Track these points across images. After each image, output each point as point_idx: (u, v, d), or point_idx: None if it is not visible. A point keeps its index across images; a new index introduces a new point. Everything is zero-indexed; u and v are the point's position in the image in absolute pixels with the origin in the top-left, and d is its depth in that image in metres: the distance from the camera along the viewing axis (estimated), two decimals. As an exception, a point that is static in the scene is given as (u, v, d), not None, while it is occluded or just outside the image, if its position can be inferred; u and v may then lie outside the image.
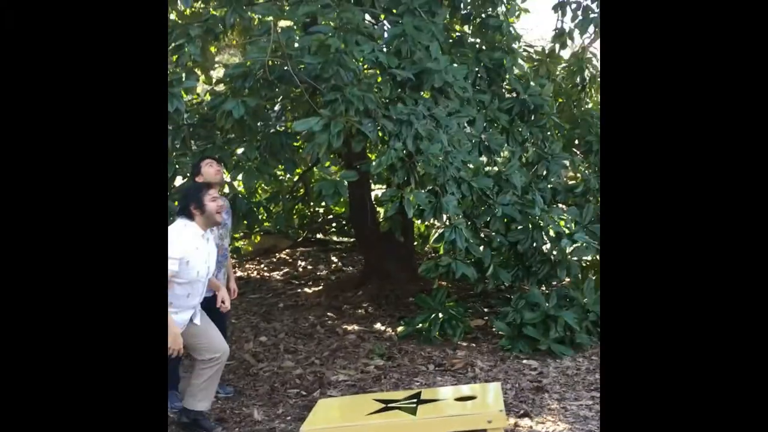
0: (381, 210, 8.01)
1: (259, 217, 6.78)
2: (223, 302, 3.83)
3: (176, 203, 3.76)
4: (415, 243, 8.04)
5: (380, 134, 5.02)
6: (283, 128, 5.70)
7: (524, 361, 4.94)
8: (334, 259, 8.66)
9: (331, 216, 9.68)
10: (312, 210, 9.36)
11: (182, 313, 3.55)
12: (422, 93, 5.44)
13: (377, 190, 8.04)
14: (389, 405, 3.79)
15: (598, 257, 6.06)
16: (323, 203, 9.02)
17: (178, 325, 3.49)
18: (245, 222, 5.77)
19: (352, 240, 9.37)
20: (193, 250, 3.48)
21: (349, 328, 5.85)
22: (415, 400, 3.82)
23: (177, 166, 5.00)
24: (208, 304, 4.15)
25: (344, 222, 9.53)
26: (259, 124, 5.38)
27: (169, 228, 3.47)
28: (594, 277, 5.91)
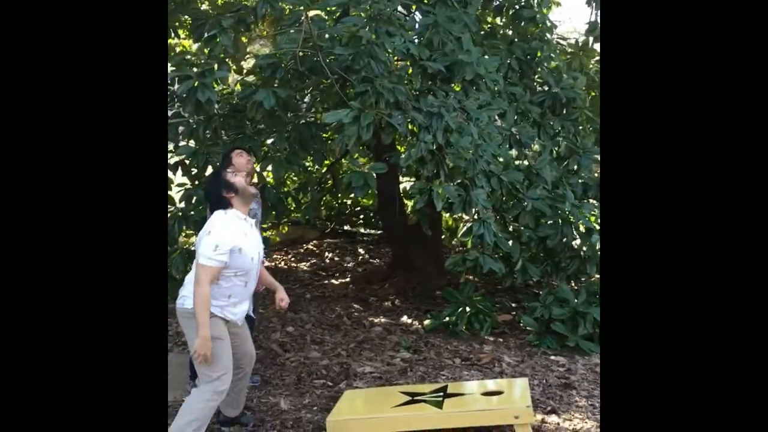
0: (409, 203, 8.00)
1: (288, 207, 6.80)
2: (282, 299, 3.60)
3: (206, 201, 3.67)
4: (443, 236, 8.01)
5: (410, 126, 4.99)
6: (313, 119, 5.69)
7: (552, 358, 4.90)
8: (362, 251, 8.66)
9: (358, 208, 9.68)
10: (340, 201, 9.37)
11: (241, 305, 3.39)
12: (453, 85, 5.40)
13: (405, 183, 8.03)
14: (415, 398, 3.79)
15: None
16: (352, 195, 9.05)
17: (236, 317, 3.36)
18: (274, 212, 5.79)
19: (379, 232, 9.36)
20: (242, 237, 3.30)
21: (376, 320, 5.84)
22: (441, 394, 3.81)
23: (208, 156, 5.02)
24: None
25: (372, 214, 9.53)
26: (289, 115, 5.37)
27: (210, 220, 3.34)
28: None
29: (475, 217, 5.15)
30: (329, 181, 8.23)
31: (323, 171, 8.04)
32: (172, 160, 5.87)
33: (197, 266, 3.17)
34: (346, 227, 9.60)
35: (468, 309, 5.49)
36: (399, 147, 6.61)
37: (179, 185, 5.91)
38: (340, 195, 8.99)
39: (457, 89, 5.41)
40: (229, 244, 3.20)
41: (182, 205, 5.69)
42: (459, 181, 4.99)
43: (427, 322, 5.66)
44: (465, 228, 5.82)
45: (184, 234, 6.23)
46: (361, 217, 9.70)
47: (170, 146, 5.78)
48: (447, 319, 5.49)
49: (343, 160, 8.28)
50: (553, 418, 3.83)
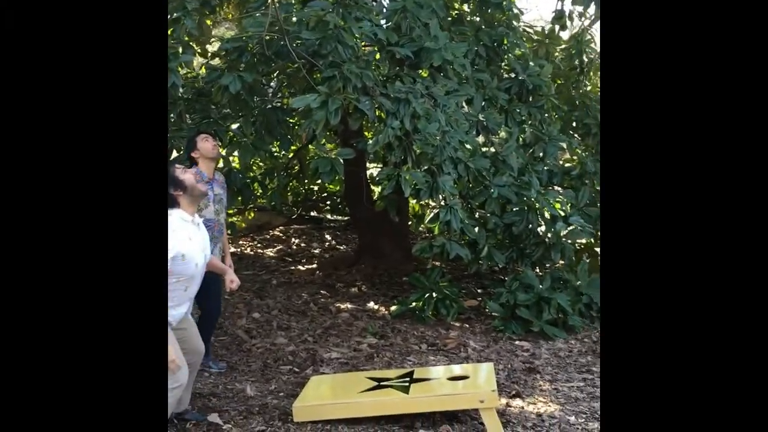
0: (376, 189, 8.00)
1: (254, 193, 6.74)
2: (232, 281, 3.53)
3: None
4: (410, 223, 8.03)
5: (378, 112, 4.98)
6: (279, 104, 5.64)
7: (517, 342, 4.95)
8: (328, 237, 8.65)
9: (325, 194, 9.66)
10: (306, 187, 9.34)
11: (180, 308, 3.21)
12: (420, 71, 5.40)
13: (373, 169, 8.02)
14: (382, 383, 3.80)
15: (592, 240, 6.07)
16: (319, 181, 9.03)
17: (173, 319, 3.16)
18: (240, 198, 5.74)
19: (346, 218, 9.36)
20: (186, 242, 3.09)
21: (343, 306, 5.84)
22: (407, 379, 3.83)
23: (173, 141, 4.95)
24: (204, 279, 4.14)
25: (339, 200, 9.52)
26: (255, 99, 5.32)
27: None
28: (588, 260, 5.92)
29: (442, 203, 5.17)
30: (296, 167, 8.19)
31: (290, 157, 8.00)
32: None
33: None
34: (312, 213, 9.58)
35: (434, 295, 5.52)
36: (366, 133, 6.61)
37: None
38: (306, 181, 8.96)
39: (425, 75, 5.41)
40: (171, 252, 2.97)
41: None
42: (426, 167, 5.00)
43: (393, 308, 5.68)
44: (432, 214, 5.85)
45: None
46: (328, 203, 9.69)
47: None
48: (414, 304, 5.52)
49: (310, 145, 8.25)
50: (517, 402, 3.88)
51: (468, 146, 5.30)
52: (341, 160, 4.95)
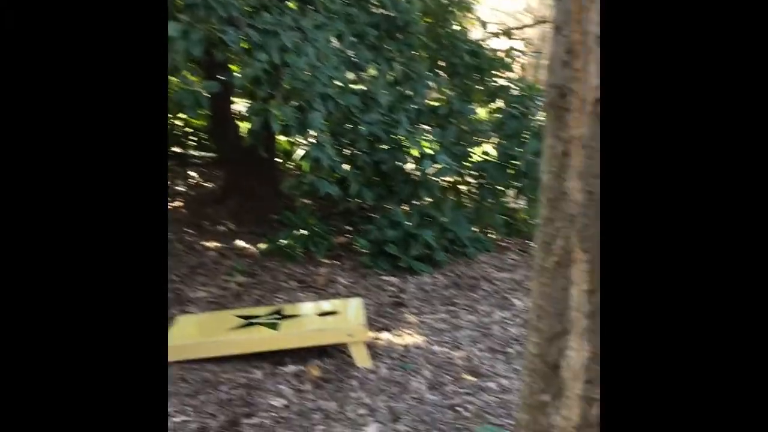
0: (243, 124, 7.79)
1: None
2: None
3: None
4: (278, 160, 7.91)
5: (244, 44, 4.80)
6: (139, 32, 5.30)
7: (384, 278, 5.06)
8: (193, 174, 8.37)
9: (189, 129, 9.30)
10: (169, 122, 8.94)
11: None
12: (289, 2, 5.24)
13: (239, 104, 7.79)
14: (251, 321, 3.79)
15: (458, 178, 6.25)
16: (182, 115, 8.66)
17: None
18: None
19: (211, 155, 9.08)
20: None
21: (209, 244, 5.72)
22: (277, 316, 3.84)
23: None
24: None
25: (203, 136, 9.20)
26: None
27: None
28: (453, 198, 6.11)
29: (312, 140, 5.11)
30: (157, 100, 7.79)
31: (150, 89, 7.60)
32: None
33: None
34: (176, 149, 9.21)
35: (304, 232, 5.51)
36: (232, 66, 6.37)
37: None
38: (169, 115, 8.57)
39: (293, 7, 5.26)
40: None
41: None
42: (296, 103, 4.91)
43: (262, 245, 5.62)
44: (302, 152, 5.79)
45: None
46: (192, 138, 9.34)
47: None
48: (283, 242, 5.49)
49: (171, 77, 7.86)
50: (385, 335, 3.99)
51: (338, 82, 5.24)
52: (206, 94, 4.75)
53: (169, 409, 2.95)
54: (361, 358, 3.56)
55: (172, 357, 3.47)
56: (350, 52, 5.58)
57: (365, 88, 5.65)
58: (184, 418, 2.92)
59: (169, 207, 6.85)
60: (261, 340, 3.58)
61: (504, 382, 3.48)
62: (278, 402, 3.11)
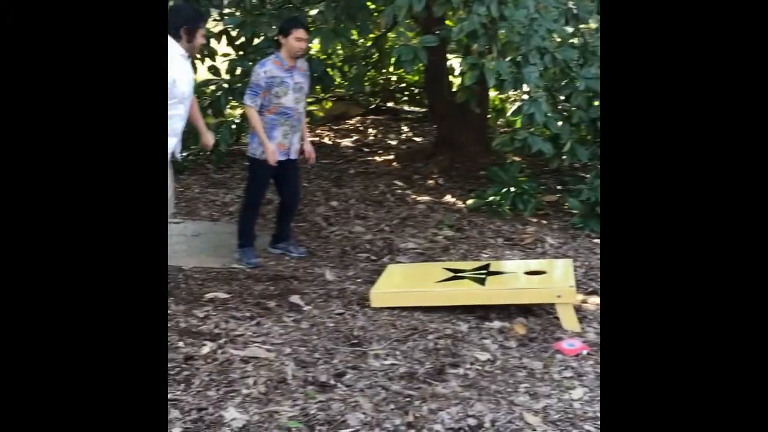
0: (456, 80, 7.80)
1: (333, 80, 6.68)
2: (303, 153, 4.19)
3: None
4: (489, 116, 7.85)
5: (463, -3, 4.76)
6: (361, -11, 5.46)
7: (595, 240, 4.87)
8: (405, 128, 8.58)
9: (403, 84, 9.51)
10: (384, 77, 9.20)
11: (171, 138, 3.44)
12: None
13: (453, 59, 7.80)
14: (458, 274, 3.83)
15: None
16: (398, 70, 8.86)
17: (173, 148, 3.50)
18: (319, 86, 5.70)
19: (423, 110, 9.23)
20: (178, 69, 3.40)
21: (419, 198, 5.85)
22: (484, 272, 3.85)
23: (254, 27, 4.91)
24: (282, 165, 4.21)
25: (417, 91, 9.36)
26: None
27: None
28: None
29: (526, 95, 5.00)
30: (374, 56, 8.04)
31: (368, 45, 7.85)
32: (216, 28, 5.76)
33: None
34: (389, 104, 9.48)
35: (512, 189, 5.44)
36: (449, 21, 6.37)
37: (224, 55, 5.83)
38: (384, 70, 8.81)
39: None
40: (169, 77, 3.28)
41: (227, 76, 5.62)
42: (511, 57, 4.81)
43: (470, 201, 5.65)
44: (514, 107, 5.68)
45: (229, 106, 6.22)
46: (406, 93, 9.55)
47: (214, 14, 5.65)
48: (491, 198, 5.47)
49: (389, 33, 8.05)
50: (593, 299, 3.86)
51: (556, 36, 5.05)
52: (424, 48, 4.81)
53: (379, 352, 3.10)
54: (569, 320, 3.47)
55: (382, 303, 3.63)
56: (571, 4, 5.34)
57: (585, 41, 5.39)
58: (393, 361, 3.04)
59: (380, 159, 7.10)
60: (468, 294, 3.62)
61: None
62: (483, 356, 3.13)
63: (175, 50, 3.44)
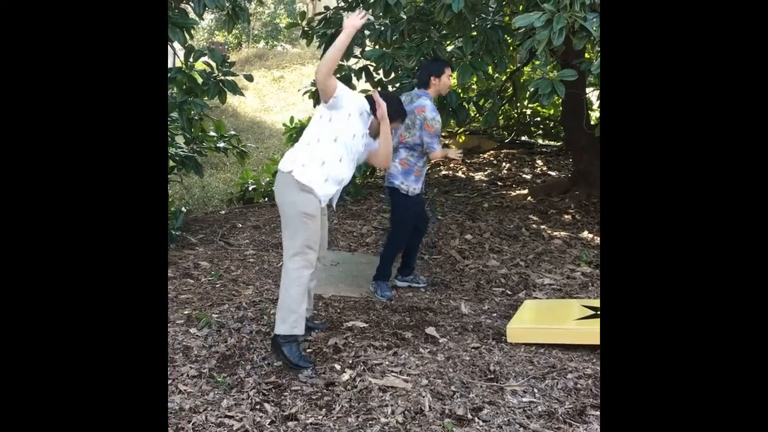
0: (593, 113, 7.64)
1: (469, 113, 6.72)
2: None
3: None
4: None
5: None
6: (499, 23, 5.50)
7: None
8: (539, 162, 8.46)
9: (537, 118, 9.41)
10: (519, 111, 9.14)
11: (330, 185, 3.31)
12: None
13: (590, 93, 7.65)
14: (598, 312, 3.71)
15: None
16: (532, 104, 8.79)
17: (321, 199, 3.28)
18: (453, 120, 5.75)
19: (558, 144, 9.08)
20: (356, 112, 3.32)
21: (555, 233, 5.74)
22: (626, 310, 3.70)
23: (394, 60, 5.04)
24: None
25: (551, 125, 9.23)
26: (476, 18, 5.23)
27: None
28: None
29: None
30: (509, 90, 8.02)
31: (503, 79, 7.84)
32: (357, 65, 5.97)
33: None
34: (523, 138, 9.39)
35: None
36: (588, 54, 6.27)
37: (362, 91, 6.02)
38: (519, 104, 8.76)
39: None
40: (349, 102, 3.30)
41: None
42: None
43: (609, 237, 5.47)
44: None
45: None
46: (540, 127, 9.43)
47: (357, 51, 5.87)
48: (632, 235, 5.27)
49: (525, 68, 8.02)
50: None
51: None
52: (562, 82, 4.75)
53: (517, 389, 3.05)
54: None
55: (518, 339, 3.57)
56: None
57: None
58: (531, 399, 2.98)
59: (515, 193, 7.03)
60: (609, 333, 3.49)
61: None
62: (626, 398, 3.01)
63: (360, 106, 3.36)
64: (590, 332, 3.54)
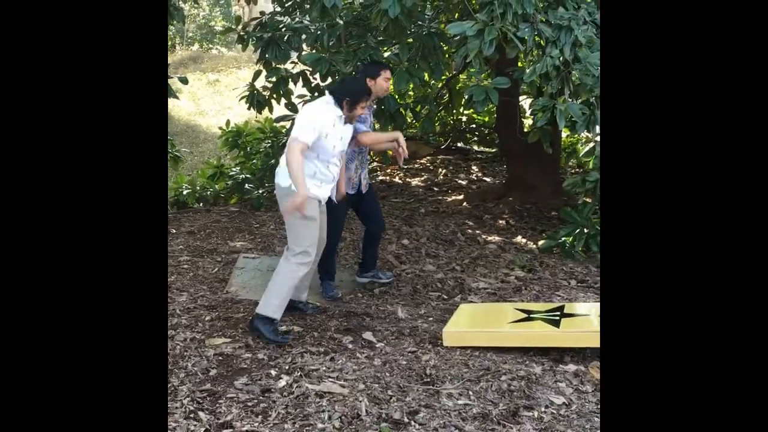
0: (528, 120, 7.80)
1: (406, 120, 6.77)
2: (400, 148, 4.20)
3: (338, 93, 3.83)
4: (561, 156, 7.80)
5: (536, 39, 4.79)
6: (435, 30, 5.56)
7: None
8: (475, 168, 8.59)
9: (473, 125, 9.55)
10: (454, 118, 9.27)
11: (325, 186, 3.78)
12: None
13: (524, 101, 7.81)
14: (531, 315, 3.80)
15: None
16: (468, 111, 8.92)
17: (320, 200, 3.76)
18: (391, 126, 5.78)
19: (493, 150, 9.24)
20: (330, 127, 3.69)
21: (490, 238, 5.84)
22: (558, 313, 3.80)
23: (331, 64, 5.05)
24: (359, 198, 4.31)
25: (486, 131, 9.39)
26: (412, 24, 5.28)
27: (311, 104, 3.90)
28: None
29: (599, 137, 4.96)
30: (445, 97, 8.13)
31: (439, 86, 7.94)
32: (295, 69, 5.95)
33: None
34: (459, 144, 9.52)
35: (586, 230, 5.38)
36: (520, 63, 6.41)
37: (299, 96, 6.01)
38: (455, 111, 8.88)
39: (589, 0, 5.13)
40: (318, 128, 3.62)
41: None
42: (584, 99, 4.80)
43: (542, 242, 5.60)
44: (587, 148, 5.65)
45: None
46: (476, 134, 9.58)
47: (293, 56, 5.85)
48: (563, 239, 5.41)
49: (460, 75, 8.13)
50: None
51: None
52: (495, 90, 4.85)
53: (452, 392, 3.09)
54: (647, 365, 3.39)
55: (454, 342, 3.62)
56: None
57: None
58: (466, 401, 3.03)
59: (451, 199, 7.12)
60: (542, 335, 3.58)
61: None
62: (558, 399, 3.08)
63: (332, 112, 3.74)
64: (525, 335, 3.62)
